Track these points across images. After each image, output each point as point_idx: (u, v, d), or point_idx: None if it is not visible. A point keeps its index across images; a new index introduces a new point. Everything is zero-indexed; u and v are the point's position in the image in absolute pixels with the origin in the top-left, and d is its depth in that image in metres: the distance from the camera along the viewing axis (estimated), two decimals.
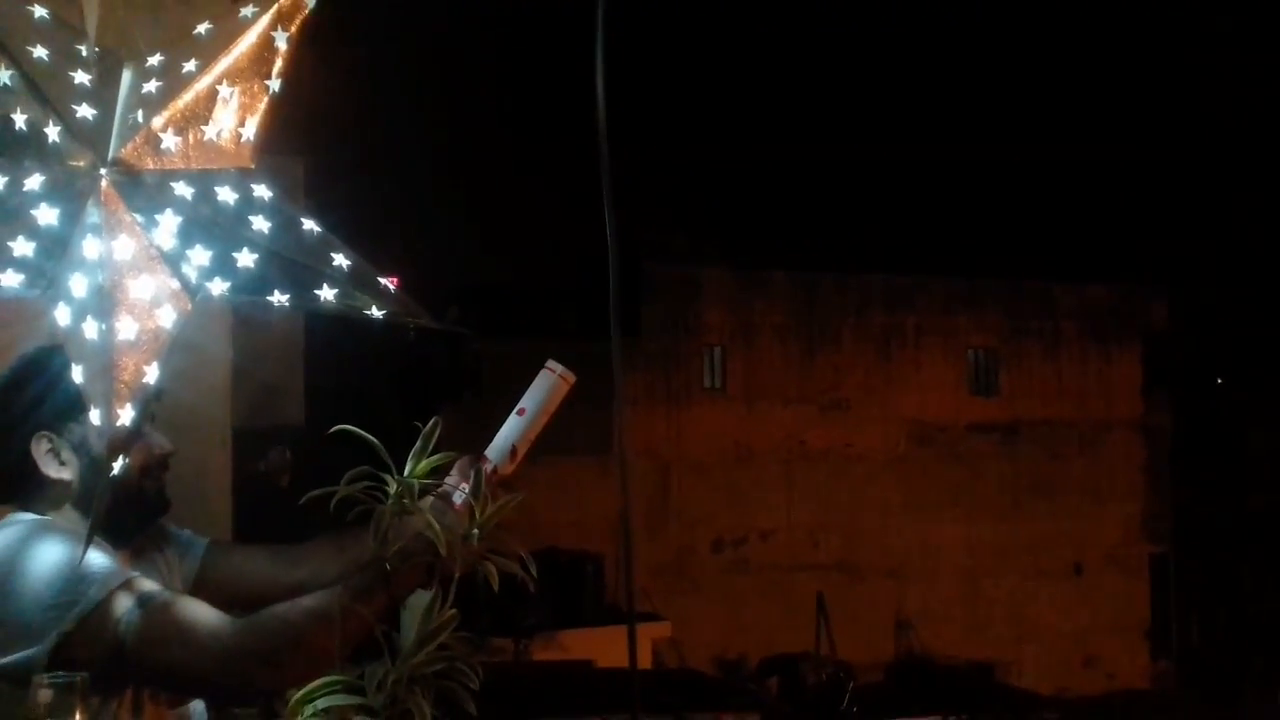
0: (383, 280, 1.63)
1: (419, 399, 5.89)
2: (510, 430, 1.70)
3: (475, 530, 1.56)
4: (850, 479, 8.77)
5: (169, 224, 1.56)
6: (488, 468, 1.67)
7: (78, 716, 1.13)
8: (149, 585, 1.62)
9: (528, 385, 1.74)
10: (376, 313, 1.61)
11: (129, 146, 1.55)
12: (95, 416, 1.46)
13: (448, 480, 1.65)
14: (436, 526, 1.52)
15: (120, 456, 1.44)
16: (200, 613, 1.63)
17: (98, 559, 1.59)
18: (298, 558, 1.88)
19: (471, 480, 1.61)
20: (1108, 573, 10.45)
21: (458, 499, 1.63)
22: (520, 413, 1.68)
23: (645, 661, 8.86)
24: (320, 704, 1.45)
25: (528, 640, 8.30)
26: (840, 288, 8.69)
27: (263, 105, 1.60)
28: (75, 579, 1.56)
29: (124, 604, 1.57)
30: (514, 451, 1.69)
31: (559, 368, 1.71)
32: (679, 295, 7.82)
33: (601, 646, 8.35)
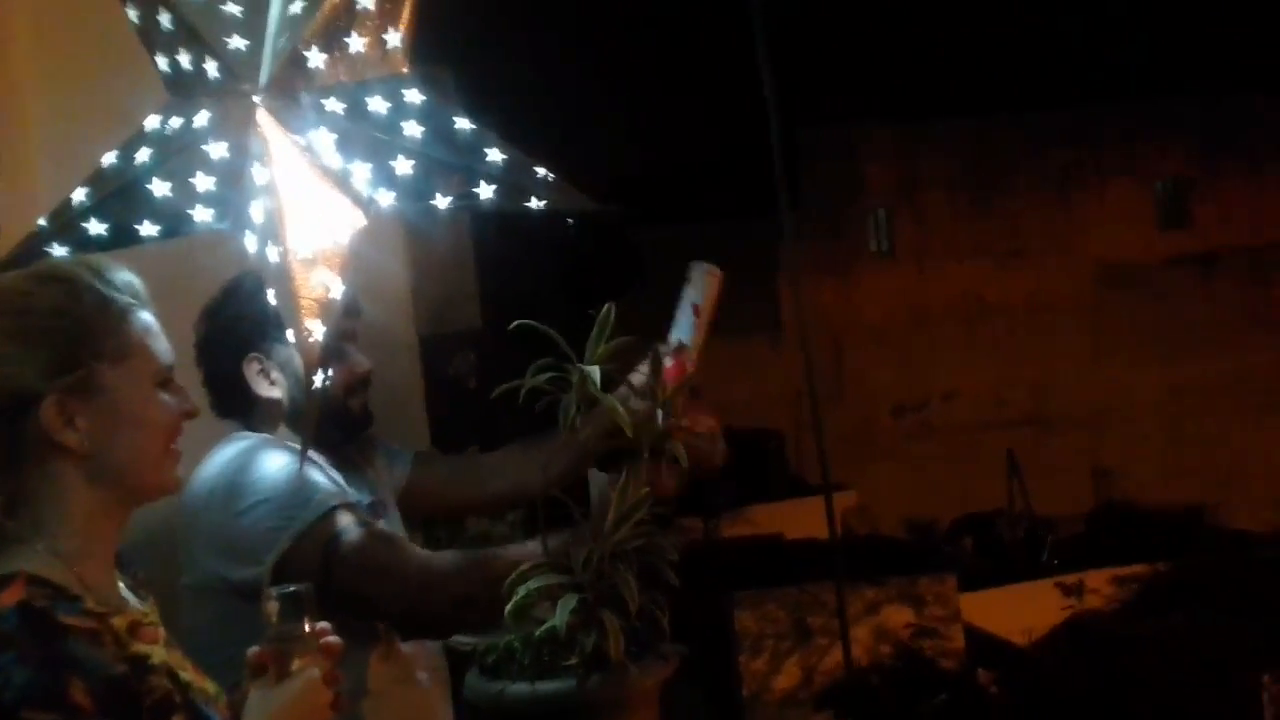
0: (540, 170, 1.64)
1: (585, 292, 5.96)
2: (688, 324, 1.71)
3: (659, 409, 1.57)
4: (1035, 331, 8.44)
5: (328, 142, 1.60)
6: (667, 351, 1.68)
7: (306, 626, 1.20)
8: (363, 513, 1.69)
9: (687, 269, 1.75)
10: (537, 204, 1.62)
11: (280, 70, 1.58)
12: (288, 336, 1.54)
13: (674, 343, 1.69)
14: (620, 409, 1.54)
15: (320, 371, 1.50)
16: (408, 549, 1.68)
17: (317, 478, 1.67)
18: (495, 467, 1.94)
19: (649, 362, 1.63)
20: None
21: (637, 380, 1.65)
22: (696, 312, 1.69)
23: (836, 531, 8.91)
24: (532, 583, 1.52)
25: (716, 518, 8.47)
26: (1009, 129, 8.21)
27: (405, 9, 1.60)
28: (296, 498, 1.64)
29: (338, 526, 1.63)
30: (685, 350, 1.70)
31: (706, 265, 1.71)
32: (838, 158, 7.57)
33: (789, 520, 8.44)
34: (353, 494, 1.75)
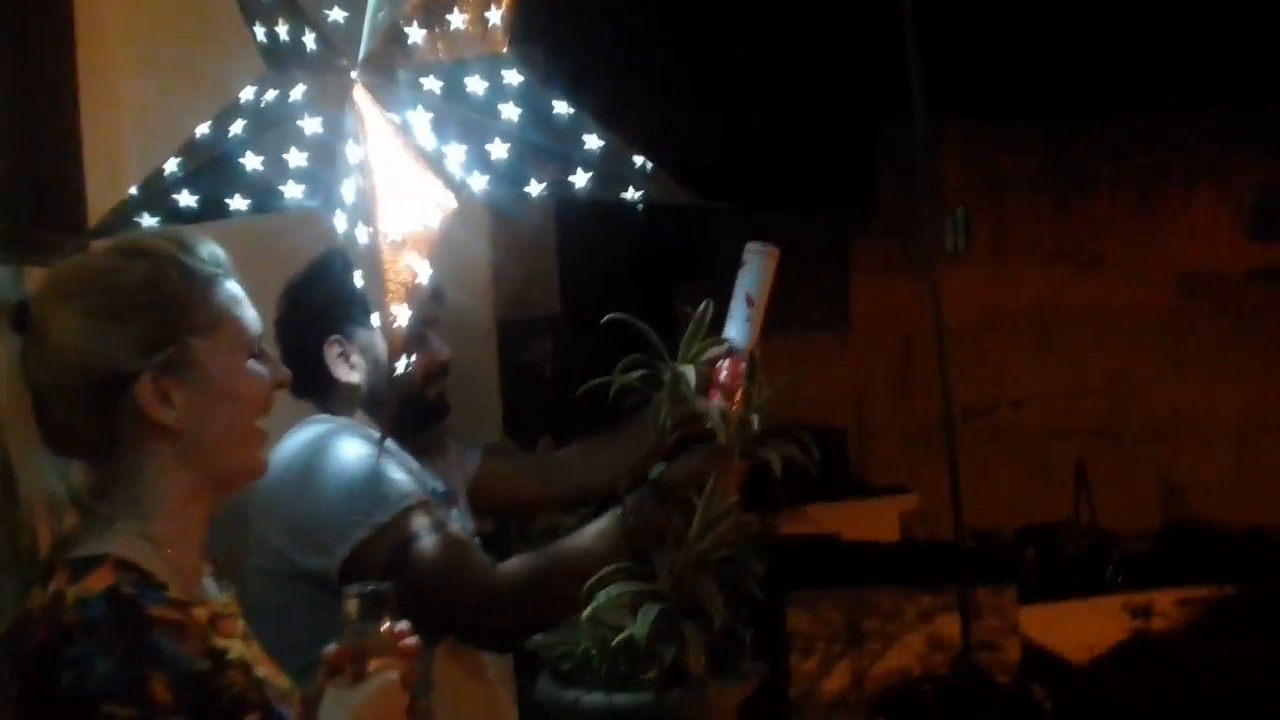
0: (638, 159, 1.58)
1: (658, 278, 5.89)
2: (743, 319, 1.62)
3: (754, 415, 1.51)
4: (1111, 340, 8.21)
5: (424, 122, 1.56)
6: (721, 353, 1.61)
7: (385, 626, 1.16)
8: (438, 513, 1.64)
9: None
10: (634, 194, 1.56)
11: (379, 45, 1.54)
12: (375, 318, 1.50)
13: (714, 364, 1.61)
14: (715, 413, 1.48)
15: (404, 357, 1.46)
16: (480, 561, 1.62)
17: (395, 473, 1.63)
18: (566, 465, 1.90)
19: (745, 365, 1.56)
20: None
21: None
22: (750, 303, 1.60)
23: (893, 534, 8.76)
24: (612, 589, 1.47)
25: (774, 515, 8.38)
26: (1094, 131, 7.97)
27: None
28: (372, 492, 1.60)
29: (413, 528, 1.59)
30: (739, 352, 1.63)
31: (762, 245, 1.62)
32: (916, 155, 7.40)
33: (848, 521, 8.31)
34: (429, 486, 1.71)
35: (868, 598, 7.19)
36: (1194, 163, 8.10)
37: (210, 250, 1.24)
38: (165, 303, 1.18)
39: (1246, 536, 8.93)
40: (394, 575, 1.54)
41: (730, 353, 1.59)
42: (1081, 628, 7.25)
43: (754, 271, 1.61)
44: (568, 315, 2.82)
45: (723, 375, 1.56)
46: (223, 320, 1.21)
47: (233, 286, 1.24)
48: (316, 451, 1.65)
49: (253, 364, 1.23)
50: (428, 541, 1.58)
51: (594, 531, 1.58)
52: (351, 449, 1.64)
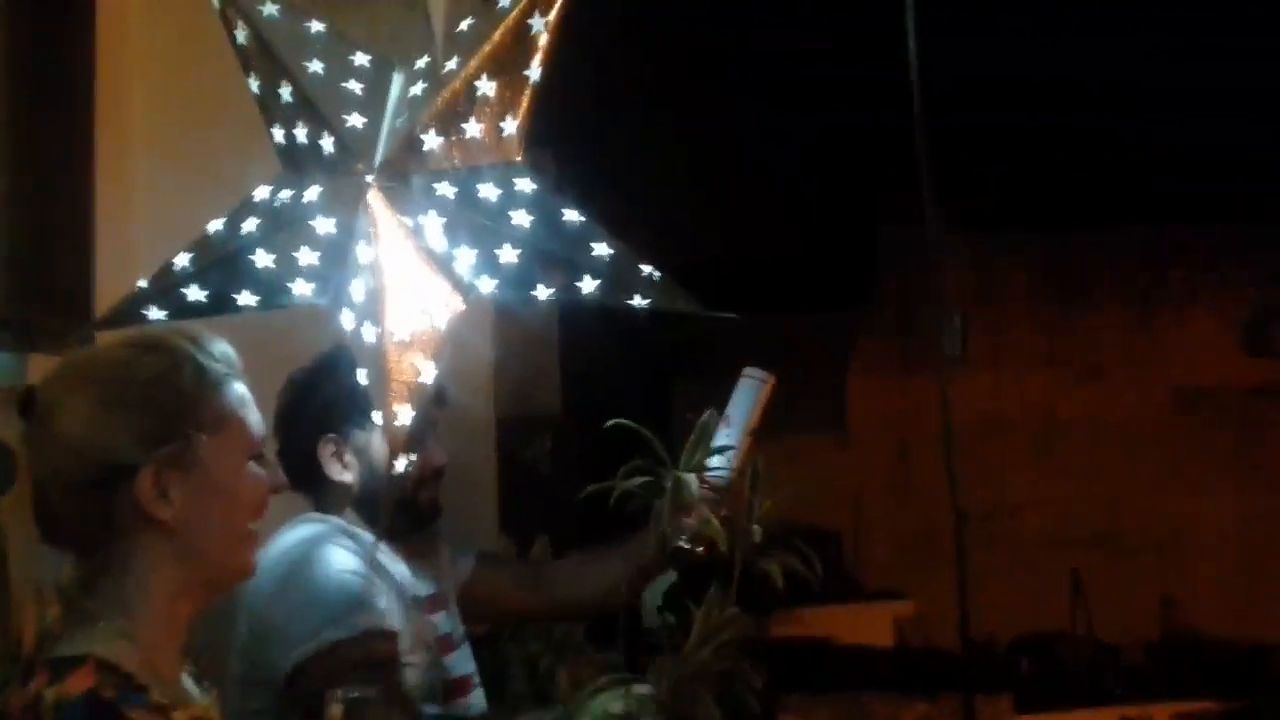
0: (646, 268, 1.60)
1: (656, 375, 5.91)
2: (730, 449, 1.62)
3: (755, 526, 1.50)
4: (1108, 450, 8.21)
5: (436, 225, 1.58)
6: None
7: None
8: (386, 645, 1.58)
9: (757, 361, 1.69)
10: (641, 302, 1.57)
11: (395, 151, 1.57)
12: (376, 417, 1.50)
13: (717, 460, 1.60)
14: (716, 523, 1.47)
15: (404, 456, 1.46)
16: (408, 701, 1.57)
17: (369, 598, 1.58)
18: (554, 576, 1.88)
19: (749, 474, 1.56)
20: None
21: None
22: (748, 434, 1.61)
23: (887, 640, 8.63)
24: (608, 700, 1.44)
25: (766, 617, 8.25)
26: (1093, 243, 8.08)
27: (524, 98, 1.58)
28: (338, 608, 1.57)
29: (354, 655, 1.54)
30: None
31: (760, 373, 1.64)
32: (917, 259, 7.49)
33: (842, 624, 8.20)
34: (395, 619, 1.66)
35: (862, 704, 7.05)
36: (1191, 278, 8.21)
37: (223, 350, 1.25)
38: (175, 398, 1.19)
39: (1245, 651, 8.81)
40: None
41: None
42: None
43: (747, 399, 1.62)
44: (567, 413, 2.83)
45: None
46: (229, 420, 1.22)
47: (241, 388, 1.25)
48: (296, 559, 1.63)
49: (253, 466, 1.23)
50: (369, 677, 1.51)
51: None
52: (333, 559, 1.62)
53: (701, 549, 1.54)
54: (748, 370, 1.63)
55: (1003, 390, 8.40)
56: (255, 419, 1.25)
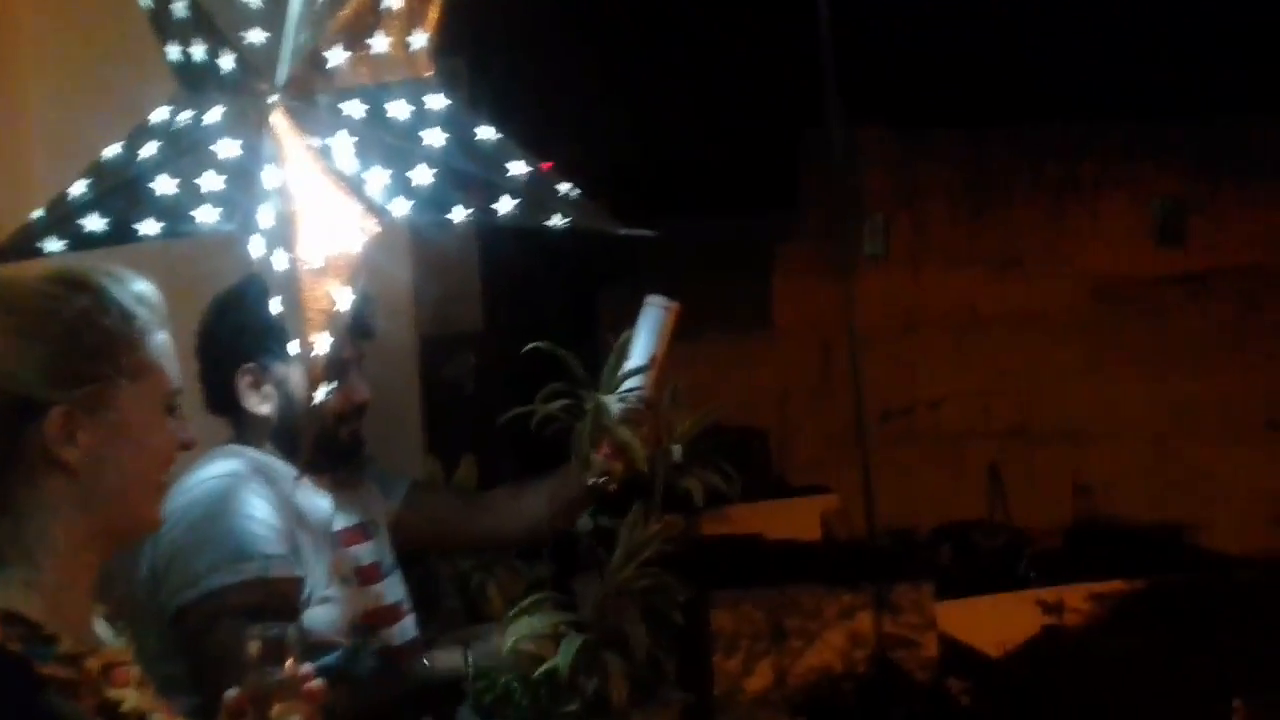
0: (563, 186, 1.57)
1: (581, 286, 5.89)
2: (640, 380, 1.62)
3: (675, 445, 1.52)
4: (1026, 342, 8.43)
5: (345, 146, 1.54)
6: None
7: (288, 669, 1.14)
8: (267, 594, 1.55)
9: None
10: (559, 221, 1.56)
11: (299, 69, 1.51)
12: (291, 347, 1.47)
13: (628, 387, 1.61)
14: (636, 444, 1.49)
15: (322, 386, 1.44)
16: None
17: (258, 534, 1.57)
18: (486, 506, 1.88)
19: (668, 393, 1.57)
20: None
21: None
22: (654, 362, 1.60)
23: (814, 533, 8.88)
24: (534, 620, 1.47)
25: (697, 516, 8.41)
26: (1010, 140, 8.18)
27: (433, 9, 1.53)
28: (222, 558, 1.55)
29: (228, 602, 1.53)
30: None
31: (663, 300, 1.64)
32: (836, 160, 7.50)
33: (770, 521, 8.40)
34: (300, 563, 1.64)
35: (789, 596, 7.27)
36: (1103, 173, 8.37)
37: (149, 294, 1.21)
38: (98, 340, 1.15)
39: (1156, 533, 9.23)
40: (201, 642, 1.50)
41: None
42: (996, 623, 7.42)
43: (653, 326, 1.61)
44: (491, 330, 2.81)
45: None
46: (149, 369, 1.18)
47: (164, 336, 1.21)
48: (201, 499, 1.60)
49: (168, 419, 1.20)
50: (231, 627, 1.47)
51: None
52: (236, 505, 1.59)
53: (619, 470, 1.55)
54: (651, 298, 1.62)
55: (923, 287, 8.54)
56: (174, 371, 1.22)
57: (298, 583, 1.59)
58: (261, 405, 1.68)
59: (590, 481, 1.50)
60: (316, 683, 1.16)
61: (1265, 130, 9.18)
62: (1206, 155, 9.18)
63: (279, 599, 1.55)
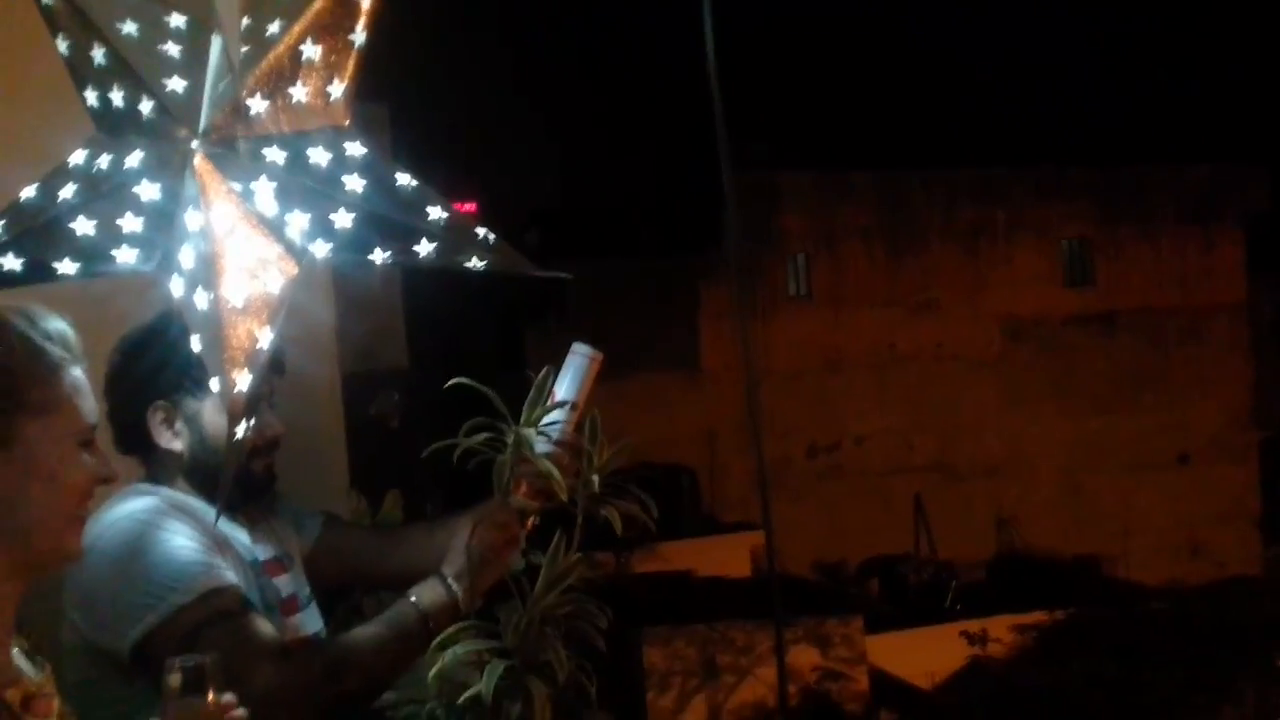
0: (480, 230, 1.62)
1: (507, 322, 5.95)
2: (560, 422, 1.66)
3: (595, 476, 1.56)
4: (943, 380, 8.68)
5: (266, 190, 1.56)
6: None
7: (209, 699, 1.15)
8: (229, 599, 1.58)
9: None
10: (477, 264, 1.60)
11: (220, 116, 1.54)
12: (213, 384, 1.49)
13: (548, 421, 1.64)
14: (557, 474, 1.53)
15: (245, 423, 1.46)
16: (268, 647, 1.57)
17: (199, 557, 1.58)
18: (401, 541, 1.89)
19: (587, 427, 1.62)
20: (1215, 461, 10.18)
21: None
22: (574, 407, 1.65)
23: (744, 569, 8.95)
24: (458, 648, 1.49)
25: (628, 553, 8.44)
26: (925, 185, 8.49)
27: (350, 61, 1.57)
28: (172, 575, 1.55)
29: (200, 615, 1.54)
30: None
31: (587, 349, 1.69)
32: (759, 203, 7.66)
33: (700, 557, 8.45)
34: (255, 554, 1.67)
35: (720, 633, 7.30)
36: (1014, 216, 8.69)
37: (60, 330, 1.22)
38: (3, 377, 1.16)
39: (1073, 565, 9.47)
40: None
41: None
42: (925, 655, 7.55)
43: (576, 374, 1.65)
44: (415, 367, 2.82)
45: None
46: (60, 405, 1.20)
47: (77, 373, 1.22)
48: (129, 532, 1.60)
49: (82, 454, 1.21)
50: (214, 629, 1.51)
51: (389, 617, 1.58)
52: (166, 531, 1.60)
53: (536, 508, 1.59)
54: (577, 345, 1.67)
55: (844, 326, 8.74)
56: (89, 407, 1.23)
57: (240, 591, 1.60)
58: (174, 442, 1.68)
59: (516, 506, 1.53)
60: (239, 712, 1.17)
61: (1161, 178, 9.60)
62: (1111, 200, 9.57)
63: (233, 605, 1.56)
